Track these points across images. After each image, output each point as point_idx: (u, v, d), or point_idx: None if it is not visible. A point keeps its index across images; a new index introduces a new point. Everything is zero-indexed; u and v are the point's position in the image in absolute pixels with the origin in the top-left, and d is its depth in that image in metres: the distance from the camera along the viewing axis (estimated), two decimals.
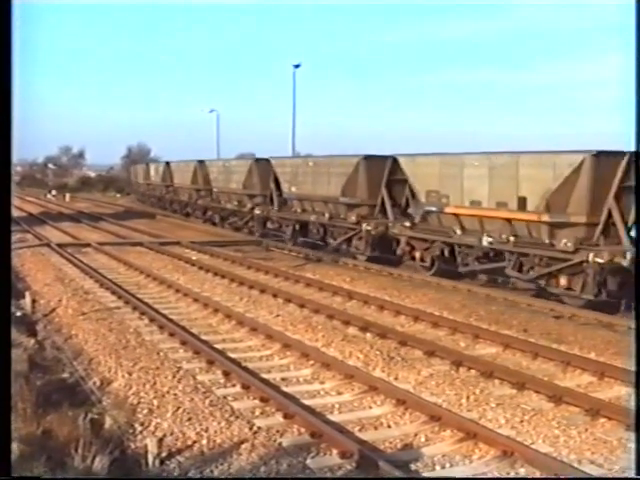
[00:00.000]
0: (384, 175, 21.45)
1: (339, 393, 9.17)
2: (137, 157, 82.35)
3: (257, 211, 29.45)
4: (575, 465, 6.92)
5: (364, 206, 22.63)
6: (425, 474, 6.82)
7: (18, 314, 12.86)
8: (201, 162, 38.06)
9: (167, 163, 46.70)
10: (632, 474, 6.56)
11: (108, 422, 7.83)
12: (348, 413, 8.44)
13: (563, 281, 15.50)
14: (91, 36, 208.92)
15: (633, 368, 9.14)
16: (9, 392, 5.43)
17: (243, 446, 7.24)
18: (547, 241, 15.81)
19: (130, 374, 9.67)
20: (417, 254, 19.82)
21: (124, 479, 6.70)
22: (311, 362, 10.40)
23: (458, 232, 18.20)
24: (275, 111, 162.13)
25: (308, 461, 6.92)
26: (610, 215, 14.89)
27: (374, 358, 10.66)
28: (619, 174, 14.71)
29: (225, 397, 8.75)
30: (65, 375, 9.82)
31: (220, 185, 34.38)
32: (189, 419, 7.97)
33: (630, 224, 14.69)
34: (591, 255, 14.63)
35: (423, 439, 7.62)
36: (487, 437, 7.42)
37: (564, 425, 7.99)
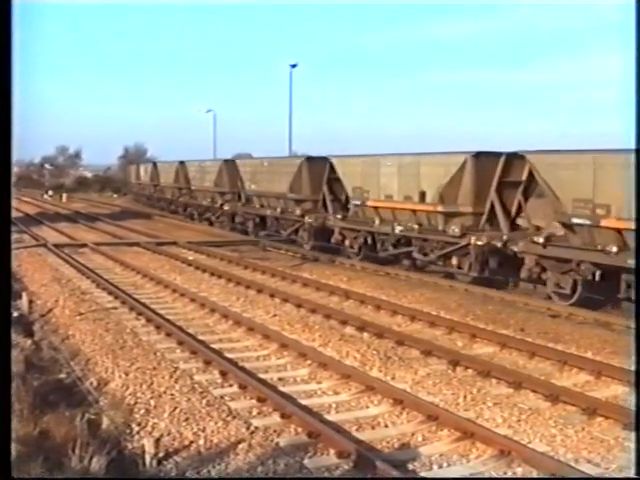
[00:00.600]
0: (325, 174, 24.27)
1: (336, 393, 9.17)
2: (134, 157, 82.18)
3: (226, 207, 32.91)
4: (572, 464, 6.92)
5: (308, 201, 25.78)
6: (422, 474, 6.82)
7: (15, 315, 12.83)
8: (182, 163, 41.39)
9: (154, 164, 51.08)
10: (630, 473, 6.58)
11: (105, 422, 7.83)
12: (345, 413, 8.45)
13: (454, 261, 18.49)
14: (88, 36, 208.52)
15: (633, 367, 9.20)
16: (9, 392, 5.43)
17: (240, 446, 7.24)
18: (441, 228, 18.86)
19: (127, 374, 9.67)
20: (347, 242, 22.87)
21: (123, 479, 6.70)
22: (308, 362, 10.41)
23: (377, 222, 21.30)
24: (272, 111, 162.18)
25: (305, 461, 6.93)
26: (493, 206, 17.59)
27: (371, 358, 10.67)
28: (498, 171, 17.38)
29: (222, 397, 8.75)
30: (62, 376, 9.82)
31: (197, 183, 37.97)
32: (186, 419, 7.97)
33: (512, 214, 17.34)
34: (473, 239, 17.45)
35: (420, 439, 7.63)
36: (484, 436, 7.43)
37: (561, 424, 8.00)
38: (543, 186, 15.86)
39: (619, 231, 13.93)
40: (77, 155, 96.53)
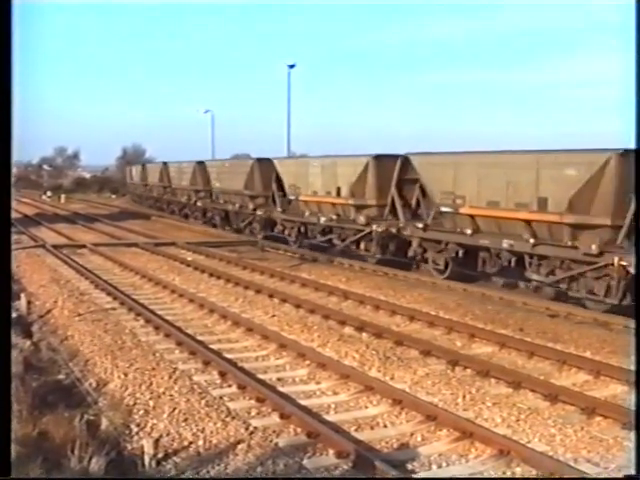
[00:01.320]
0: (273, 173, 27.88)
1: (335, 393, 9.17)
2: (132, 158, 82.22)
3: (199, 203, 37.60)
4: (571, 464, 6.93)
5: (260, 197, 29.62)
6: (421, 474, 6.82)
7: (14, 315, 12.81)
8: (165, 164, 45.84)
9: (143, 165, 55.58)
10: (628, 472, 6.58)
11: (104, 423, 7.82)
12: (344, 413, 8.45)
13: (362, 245, 22.13)
14: (86, 37, 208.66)
15: (632, 367, 9.19)
16: (9, 392, 5.42)
17: (239, 446, 7.24)
18: (352, 218, 22.33)
19: (126, 375, 9.66)
20: (286, 231, 26.95)
21: (122, 479, 6.70)
22: (307, 362, 10.40)
23: (307, 214, 25.06)
24: (271, 111, 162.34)
25: (304, 461, 6.92)
26: (393, 199, 20.54)
27: (370, 358, 10.67)
28: (397, 171, 20.36)
29: (221, 397, 8.74)
30: (61, 376, 9.81)
31: (176, 183, 42.72)
32: (185, 420, 7.97)
33: (413, 206, 20.21)
34: (374, 226, 20.94)
35: (419, 438, 7.63)
36: (483, 436, 7.43)
37: (560, 424, 8.00)
38: (422, 182, 19.47)
39: (472, 217, 17.64)
40: (75, 156, 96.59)
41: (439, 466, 6.97)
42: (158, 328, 12.25)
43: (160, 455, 6.95)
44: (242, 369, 9.98)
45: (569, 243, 15.20)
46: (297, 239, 26.09)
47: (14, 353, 9.75)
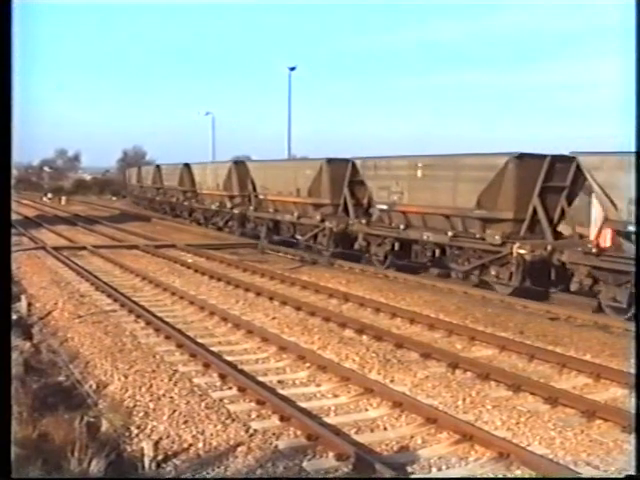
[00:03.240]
0: (248, 174, 30.76)
1: (335, 395, 9.17)
2: (133, 160, 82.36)
3: (185, 202, 40.88)
4: (571, 467, 6.93)
5: (238, 197, 32.65)
6: (421, 476, 6.82)
7: (14, 317, 12.82)
8: (157, 166, 49.35)
9: (139, 167, 58.38)
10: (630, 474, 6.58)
11: (104, 425, 7.82)
12: (344, 415, 8.44)
13: (319, 239, 24.33)
14: (86, 39, 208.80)
15: (632, 370, 9.19)
16: (9, 392, 5.42)
17: (239, 449, 7.24)
18: (310, 216, 25.00)
19: (126, 377, 9.66)
20: (258, 228, 29.31)
21: (123, 479, 6.70)
22: (307, 365, 10.40)
23: (273, 211, 28.28)
24: (272, 113, 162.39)
25: (304, 464, 6.92)
26: (345, 199, 23.18)
27: (370, 360, 10.67)
28: (348, 173, 22.79)
29: (221, 400, 8.74)
30: (61, 378, 9.81)
31: (166, 184, 45.66)
32: (185, 422, 7.97)
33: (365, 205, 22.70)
34: (327, 223, 23.54)
35: (419, 441, 7.63)
36: (483, 439, 7.42)
37: (560, 427, 8.00)
38: (365, 183, 22.04)
39: (404, 213, 20.16)
40: (76, 158, 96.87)
41: (439, 469, 6.97)
42: (158, 330, 12.26)
43: (160, 457, 6.95)
44: (242, 371, 9.98)
45: (478, 235, 17.62)
46: (267, 235, 28.22)
47: (15, 355, 9.75)
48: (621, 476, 6.59)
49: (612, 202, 13.87)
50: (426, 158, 19.52)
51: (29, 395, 8.22)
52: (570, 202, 16.12)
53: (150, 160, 77.44)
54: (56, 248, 23.95)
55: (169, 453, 7.14)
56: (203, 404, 8.54)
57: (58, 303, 14.77)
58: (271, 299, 15.51)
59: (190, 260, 22.16)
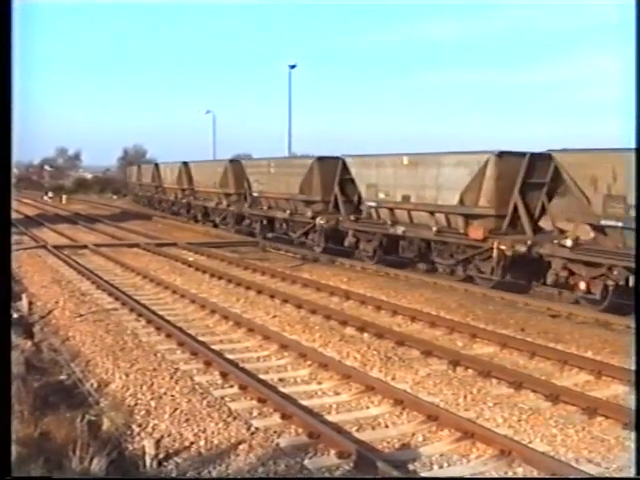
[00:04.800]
0: (243, 173, 31.43)
1: (337, 393, 9.17)
2: (133, 159, 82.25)
3: (183, 200, 41.65)
4: (573, 464, 6.93)
5: (233, 195, 33.12)
6: (423, 474, 6.82)
7: (15, 316, 12.83)
8: (156, 165, 49.69)
9: (139, 166, 58.33)
10: (630, 473, 6.58)
11: (106, 424, 7.83)
12: (346, 413, 8.45)
13: (311, 236, 24.73)
14: (87, 37, 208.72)
15: (633, 367, 9.20)
16: (9, 391, 5.43)
17: (241, 447, 7.24)
18: (301, 212, 25.52)
19: (127, 376, 9.67)
20: (253, 225, 30.38)
21: (124, 479, 6.70)
22: (308, 362, 10.41)
23: (267, 208, 28.86)
24: (272, 111, 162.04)
25: (306, 461, 6.92)
26: (336, 196, 23.75)
27: (371, 358, 10.67)
28: (338, 171, 23.38)
29: (223, 398, 8.74)
30: (62, 377, 9.82)
31: (165, 182, 46.30)
32: (187, 420, 7.97)
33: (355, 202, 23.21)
34: (318, 219, 23.80)
35: (421, 439, 7.63)
36: (485, 436, 7.42)
37: (561, 424, 8.00)
38: (355, 180, 22.59)
39: (391, 210, 20.71)
40: (77, 156, 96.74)
41: (440, 466, 6.97)
42: (160, 329, 12.26)
43: (161, 456, 6.96)
44: (243, 369, 9.98)
45: (462, 231, 18.14)
46: (261, 231, 29.23)
47: (16, 354, 9.76)
48: (627, 475, 6.61)
49: (587, 198, 14.71)
50: (410, 156, 20.20)
51: (30, 394, 8.22)
52: (550, 198, 16.64)
53: (151, 159, 77.42)
54: (57, 247, 23.95)
55: (170, 451, 7.15)
56: (204, 402, 8.54)
57: (59, 302, 14.77)
58: (272, 297, 15.51)
59: (191, 258, 22.15)
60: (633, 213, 14.11)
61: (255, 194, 29.81)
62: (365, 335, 12.09)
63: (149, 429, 7.75)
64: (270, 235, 29.22)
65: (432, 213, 19.19)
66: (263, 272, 19.33)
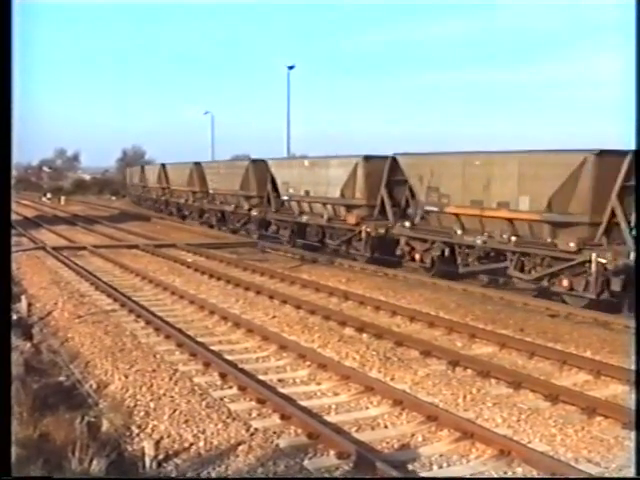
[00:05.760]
0: (268, 174, 29.90)
1: (336, 394, 9.17)
2: (132, 160, 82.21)
3: (195, 203, 39.48)
4: (572, 464, 6.93)
5: (255, 197, 31.66)
6: (422, 474, 6.83)
7: (14, 317, 12.81)
8: (163, 165, 48.13)
9: (142, 166, 57.95)
10: (629, 472, 6.58)
11: (105, 425, 7.82)
12: (345, 414, 8.45)
13: (355, 245, 22.80)
14: (83, 38, 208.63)
15: (633, 367, 9.21)
16: (9, 391, 5.42)
17: (240, 448, 7.24)
18: (343, 218, 23.52)
19: (126, 377, 9.66)
20: (280, 232, 28.76)
21: (123, 479, 6.70)
22: (307, 363, 10.41)
23: (299, 213, 26.80)
24: (271, 112, 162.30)
25: (305, 462, 6.92)
26: (383, 200, 22.10)
27: (370, 359, 10.67)
28: (386, 171, 21.41)
29: (222, 399, 8.74)
30: (61, 378, 9.81)
31: (174, 184, 45.00)
32: (186, 421, 7.97)
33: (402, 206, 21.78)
34: (364, 226, 21.74)
35: (420, 439, 7.63)
36: (484, 436, 7.43)
37: (561, 424, 8.01)
38: (409, 182, 20.67)
39: (457, 215, 18.37)
40: (75, 158, 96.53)
41: (440, 466, 6.97)
42: (159, 330, 12.25)
43: (161, 456, 6.96)
44: (243, 370, 9.98)
45: (549, 240, 15.69)
46: (290, 239, 27.03)
47: (15, 355, 9.74)
48: (626, 475, 6.61)
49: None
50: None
51: (30, 395, 8.21)
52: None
53: (150, 159, 77.36)
54: (56, 248, 23.93)
55: (170, 452, 7.15)
56: (204, 403, 8.54)
57: (58, 303, 14.77)
58: (271, 298, 15.50)
59: (190, 259, 22.15)
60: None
61: (284, 197, 27.29)
62: (364, 335, 12.09)
63: (148, 430, 7.75)
64: (300, 242, 26.73)
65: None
66: (262, 273, 19.33)
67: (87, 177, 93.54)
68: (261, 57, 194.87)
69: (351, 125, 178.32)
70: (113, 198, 70.50)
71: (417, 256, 19.74)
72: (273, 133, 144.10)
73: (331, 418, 8.28)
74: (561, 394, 8.81)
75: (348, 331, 12.44)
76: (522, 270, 16.59)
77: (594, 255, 14.46)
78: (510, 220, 16.61)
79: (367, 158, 22.21)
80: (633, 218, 14.26)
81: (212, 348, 11.23)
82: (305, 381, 9.74)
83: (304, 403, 8.76)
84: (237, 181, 31.39)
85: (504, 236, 16.63)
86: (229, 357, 10.75)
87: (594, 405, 8.37)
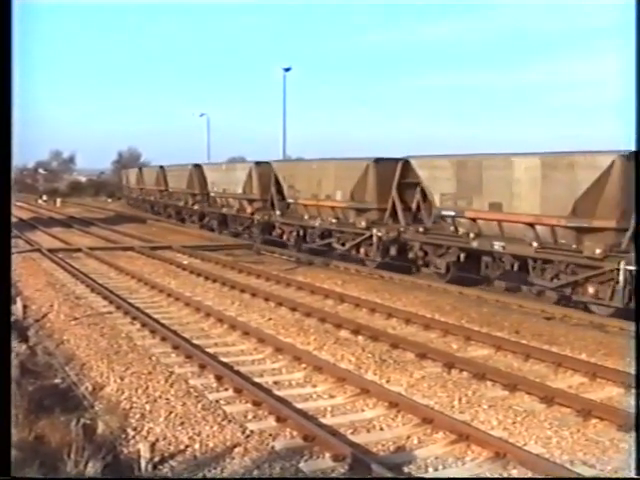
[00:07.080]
0: (272, 177, 29.94)
1: (331, 396, 9.18)
2: (128, 162, 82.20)
3: (195, 206, 39.64)
4: (567, 466, 6.94)
5: (258, 201, 31.04)
6: (419, 476, 6.82)
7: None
8: (161, 167, 47.74)
9: (142, 169, 56.87)
10: (625, 475, 6.60)
11: (101, 427, 7.81)
12: (340, 416, 8.45)
13: (364, 249, 21.92)
14: (81, 39, 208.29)
15: (633, 369, 9.21)
16: (9, 391, 5.42)
17: (236, 450, 7.24)
18: (352, 221, 22.70)
19: (122, 379, 9.66)
20: (285, 235, 28.09)
21: (120, 479, 6.69)
22: (303, 365, 10.41)
23: (306, 217, 26.33)
24: (267, 114, 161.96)
25: (301, 464, 6.93)
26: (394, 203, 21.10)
27: (366, 361, 10.68)
28: (397, 174, 20.69)
29: (217, 401, 8.74)
30: (57, 381, 9.79)
31: (172, 186, 44.46)
32: (182, 423, 7.97)
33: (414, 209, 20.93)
34: (375, 230, 20.95)
35: (416, 441, 7.64)
36: (479, 439, 7.44)
37: (556, 426, 8.02)
38: (423, 185, 19.90)
39: (474, 220, 17.70)
40: (71, 160, 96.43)
41: (435, 469, 6.98)
42: (154, 332, 12.25)
43: (157, 459, 6.95)
44: (238, 373, 9.98)
45: (573, 247, 15.06)
46: (296, 243, 26.16)
47: (11, 357, 9.72)
48: (622, 476, 6.62)
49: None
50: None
51: (25, 398, 8.20)
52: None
53: (145, 161, 77.41)
54: (51, 250, 23.92)
55: (166, 455, 7.14)
56: (199, 405, 8.54)
57: (54, 305, 14.76)
58: (267, 300, 15.51)
59: (185, 261, 22.14)
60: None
61: (289, 200, 26.64)
62: (360, 338, 12.10)
63: (144, 432, 7.74)
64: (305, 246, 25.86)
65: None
66: (257, 275, 19.33)
67: (83, 179, 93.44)
68: (257, 59, 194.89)
69: (348, 127, 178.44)
70: (109, 200, 70.40)
71: (437, 261, 18.90)
72: (269, 135, 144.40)
73: (327, 420, 8.28)
74: (556, 396, 8.83)
75: (344, 333, 12.45)
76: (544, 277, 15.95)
77: (622, 263, 13.91)
78: (531, 225, 15.94)
79: (378, 160, 21.41)
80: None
81: (208, 350, 11.22)
82: (301, 383, 9.75)
83: (300, 405, 8.76)
84: (240, 184, 30.74)
85: (528, 242, 15.97)
86: (225, 359, 10.74)
87: (589, 407, 8.39)
